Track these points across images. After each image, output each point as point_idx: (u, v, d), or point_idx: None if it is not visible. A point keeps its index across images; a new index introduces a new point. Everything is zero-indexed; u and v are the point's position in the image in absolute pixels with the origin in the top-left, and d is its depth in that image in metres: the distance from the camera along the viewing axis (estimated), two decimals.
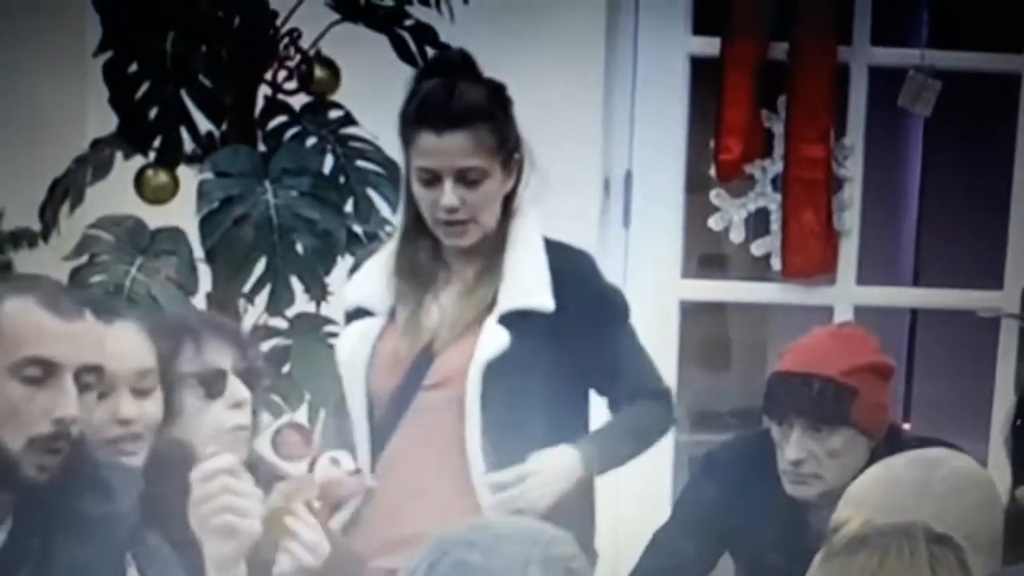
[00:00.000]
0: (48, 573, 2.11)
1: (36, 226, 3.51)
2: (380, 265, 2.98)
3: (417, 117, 2.88)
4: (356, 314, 2.97)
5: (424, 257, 2.96)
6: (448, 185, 2.87)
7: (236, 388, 2.60)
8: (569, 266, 2.96)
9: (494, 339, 2.89)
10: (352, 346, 2.96)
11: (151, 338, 2.51)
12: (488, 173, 2.89)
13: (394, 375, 2.93)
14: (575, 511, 2.91)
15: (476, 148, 2.86)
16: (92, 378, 2.17)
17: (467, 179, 2.87)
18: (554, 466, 2.86)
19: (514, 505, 2.81)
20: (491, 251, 2.94)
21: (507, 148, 2.92)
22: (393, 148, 3.43)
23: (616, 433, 2.96)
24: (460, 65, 2.94)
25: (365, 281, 2.99)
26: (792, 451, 2.92)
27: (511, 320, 2.90)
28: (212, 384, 2.58)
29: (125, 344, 2.40)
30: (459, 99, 2.88)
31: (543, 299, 2.91)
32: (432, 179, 2.88)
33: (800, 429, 2.92)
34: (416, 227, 2.96)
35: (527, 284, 2.93)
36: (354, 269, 3.06)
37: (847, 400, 2.90)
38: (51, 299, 2.12)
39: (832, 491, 2.86)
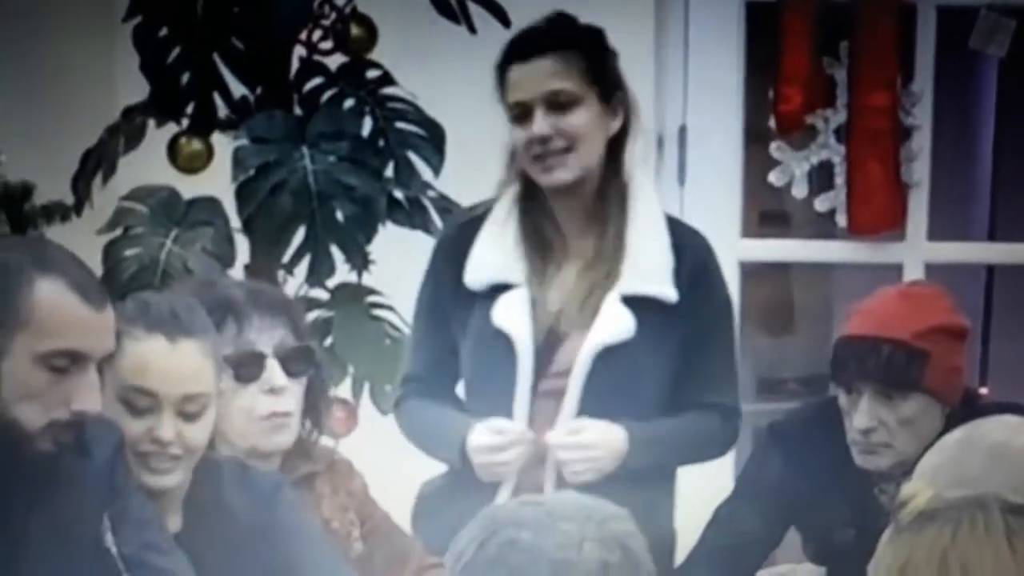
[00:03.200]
0: (28, 531, 2.11)
1: (68, 199, 3.48)
2: (497, 236, 2.90)
3: (505, 54, 2.86)
4: (493, 291, 2.88)
5: (540, 228, 2.89)
6: (539, 113, 2.82)
7: (274, 373, 2.58)
8: (689, 251, 2.90)
9: (617, 322, 2.83)
10: (513, 319, 2.85)
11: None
12: (581, 99, 2.83)
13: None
14: (656, 495, 2.88)
15: (565, 71, 2.82)
16: (106, 364, 2.15)
17: (558, 103, 2.81)
18: (605, 446, 2.82)
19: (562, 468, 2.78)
20: (607, 218, 2.87)
21: (605, 82, 2.86)
22: (434, 108, 3.43)
23: (672, 436, 2.90)
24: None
25: (489, 255, 2.90)
26: (861, 419, 2.85)
27: (631, 304, 2.84)
28: (245, 367, 2.56)
29: (182, 366, 2.36)
30: (545, 29, 2.86)
31: (667, 288, 2.85)
32: (523, 113, 2.83)
33: (869, 396, 2.84)
34: (527, 191, 2.90)
35: (652, 268, 2.86)
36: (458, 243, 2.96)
37: (919, 364, 2.82)
38: (81, 283, 2.10)
39: (904, 461, 2.81)
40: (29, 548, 2.11)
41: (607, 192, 2.88)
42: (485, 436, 2.83)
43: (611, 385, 2.82)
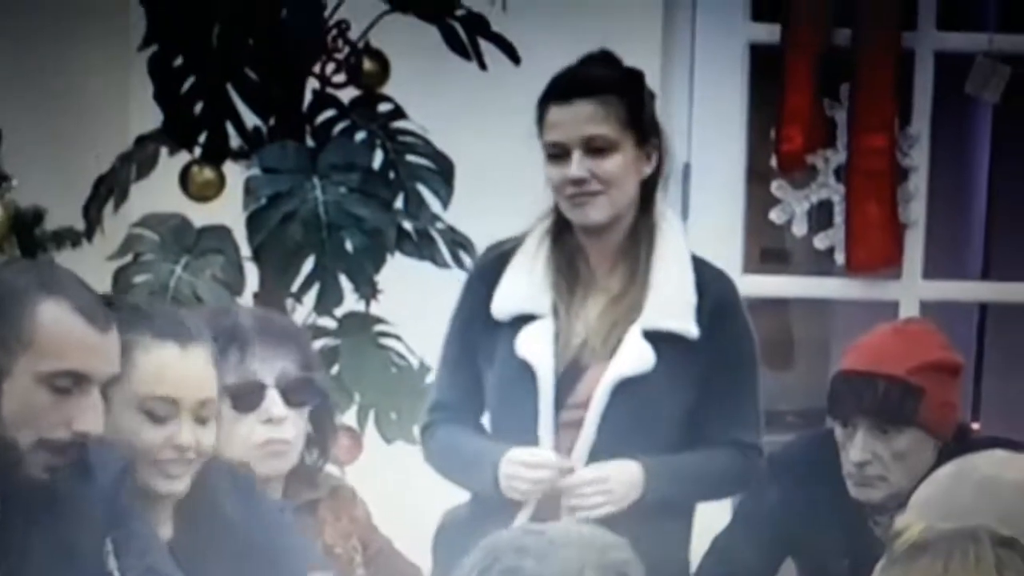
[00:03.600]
0: (31, 554, 2.10)
1: (80, 225, 3.48)
2: (527, 267, 2.92)
3: (547, 92, 2.88)
4: (518, 321, 2.90)
5: (571, 261, 2.91)
6: (576, 156, 2.84)
7: (273, 404, 2.58)
8: (712, 290, 2.92)
9: (637, 355, 2.84)
10: (536, 349, 2.87)
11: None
12: (618, 145, 2.85)
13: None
14: (672, 530, 2.91)
15: (604, 117, 2.84)
16: (109, 388, 2.15)
17: (595, 148, 2.84)
18: (618, 479, 2.82)
19: (571, 505, 2.80)
20: (635, 255, 2.90)
21: (642, 127, 2.88)
22: (444, 142, 3.45)
23: (691, 471, 2.90)
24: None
25: (516, 285, 2.91)
26: (857, 453, 2.88)
27: (652, 338, 2.85)
28: (244, 397, 2.57)
29: (195, 371, 2.37)
30: (587, 71, 2.89)
31: (688, 324, 2.87)
32: (560, 153, 2.85)
33: (865, 430, 2.87)
34: (560, 224, 2.92)
35: (675, 304, 2.88)
36: (489, 273, 2.98)
37: (914, 400, 2.86)
38: (85, 305, 2.10)
39: (898, 494, 2.83)
40: (31, 570, 2.11)
41: (637, 230, 2.91)
42: (521, 454, 2.84)
43: (629, 417, 2.84)
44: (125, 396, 2.30)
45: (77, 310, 2.09)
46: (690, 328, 2.87)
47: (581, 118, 2.84)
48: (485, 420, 3.01)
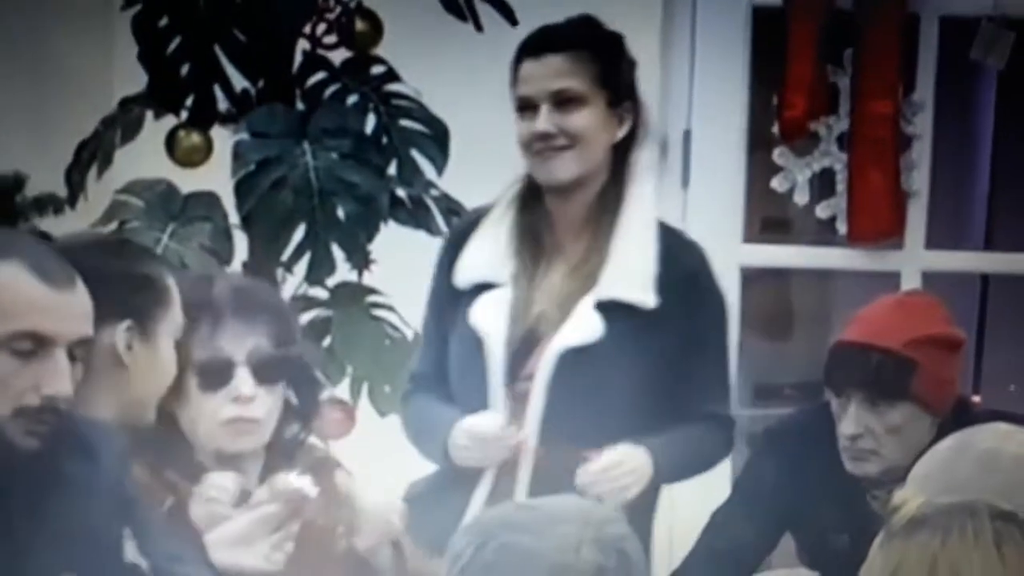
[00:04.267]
0: (40, 538, 2.05)
1: (62, 191, 3.43)
2: (490, 236, 2.89)
3: (520, 49, 2.86)
4: (478, 290, 2.88)
5: (535, 229, 2.88)
6: (544, 110, 2.81)
7: (241, 383, 2.52)
8: (679, 259, 2.88)
9: (584, 325, 2.81)
10: (488, 319, 2.85)
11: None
12: (586, 100, 2.82)
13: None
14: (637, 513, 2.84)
15: (573, 71, 2.81)
16: (82, 351, 2.09)
17: (563, 100, 2.81)
18: (632, 463, 2.79)
19: (594, 492, 2.75)
20: (600, 222, 2.86)
21: (614, 87, 2.84)
22: (439, 106, 3.38)
23: (682, 448, 2.88)
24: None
25: (478, 254, 2.89)
26: (848, 425, 2.84)
27: (606, 308, 2.82)
28: (212, 375, 2.51)
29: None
30: (560, 28, 2.86)
31: (644, 295, 2.83)
32: (528, 107, 2.83)
33: (857, 403, 2.83)
34: (530, 190, 2.89)
35: (632, 274, 2.84)
36: (456, 242, 2.96)
37: (907, 374, 2.81)
38: (42, 265, 2.04)
39: (894, 468, 2.80)
40: (40, 560, 2.06)
41: (606, 198, 2.87)
42: (467, 423, 2.82)
43: (578, 388, 2.80)
44: (168, 330, 2.35)
45: (32, 269, 2.02)
46: (646, 299, 2.83)
47: (550, 72, 2.82)
48: None
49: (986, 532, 1.85)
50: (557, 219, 2.88)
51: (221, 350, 2.51)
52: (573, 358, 2.80)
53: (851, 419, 2.85)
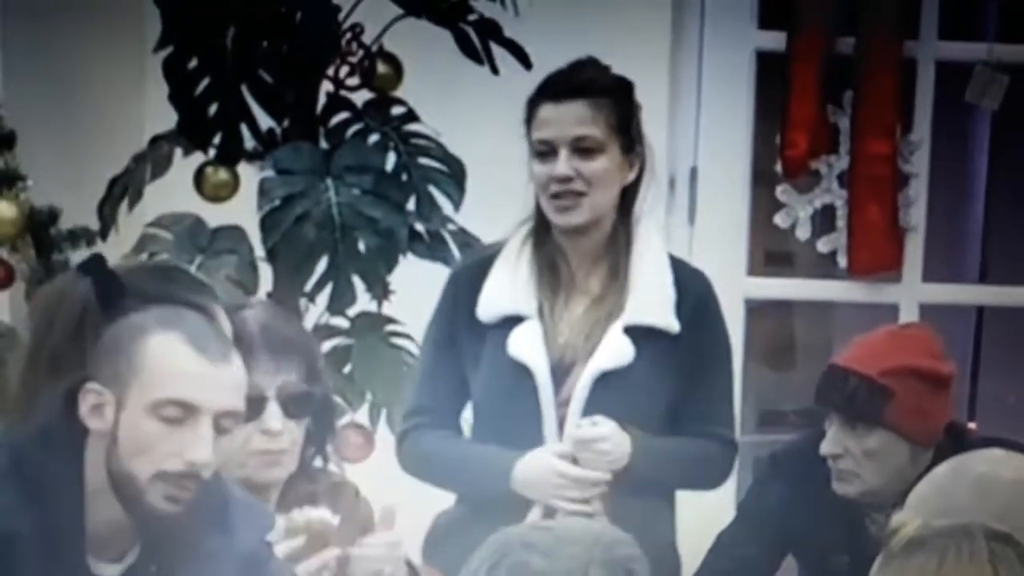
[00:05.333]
0: None
1: (94, 225, 3.47)
2: (510, 270, 2.92)
3: (539, 91, 2.88)
4: (506, 323, 2.90)
5: (553, 264, 2.91)
6: (563, 154, 2.84)
7: (271, 417, 2.53)
8: (692, 288, 2.93)
9: (617, 350, 2.85)
10: (529, 349, 2.87)
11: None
12: (604, 148, 2.86)
13: None
14: (657, 514, 2.91)
15: (593, 118, 2.85)
16: (230, 422, 2.14)
17: (582, 149, 2.84)
18: (613, 438, 2.83)
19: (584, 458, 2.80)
20: (615, 258, 2.91)
21: (628, 134, 2.89)
22: (456, 145, 3.43)
23: (673, 453, 2.91)
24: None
25: (501, 288, 2.91)
26: (827, 445, 2.90)
27: (632, 333, 2.86)
28: (252, 411, 2.46)
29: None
30: (580, 73, 2.89)
31: (669, 319, 2.88)
32: (548, 151, 2.86)
33: (838, 424, 2.89)
34: (542, 227, 2.92)
35: (655, 301, 2.89)
36: (469, 279, 2.98)
37: (880, 401, 2.85)
38: (200, 338, 2.11)
39: (874, 491, 2.86)
40: None
41: (616, 235, 2.92)
42: (554, 464, 2.83)
43: (610, 411, 2.84)
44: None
45: (189, 341, 2.09)
46: (671, 323, 2.88)
47: (572, 118, 2.85)
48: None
49: (982, 553, 1.86)
50: (571, 255, 2.93)
51: (255, 385, 2.49)
52: (607, 382, 2.85)
53: (830, 439, 2.91)
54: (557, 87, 2.87)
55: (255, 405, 2.51)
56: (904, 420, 2.87)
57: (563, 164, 2.84)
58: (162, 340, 2.09)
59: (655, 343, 2.87)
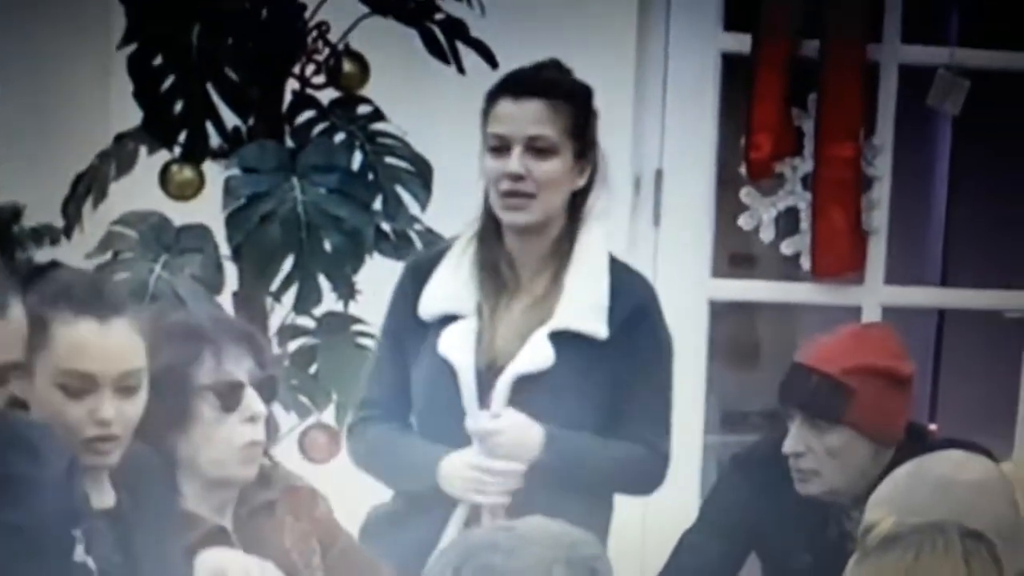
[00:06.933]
0: None
1: (58, 222, 3.42)
2: (453, 269, 2.90)
3: (499, 86, 2.87)
4: (443, 321, 2.88)
5: (496, 265, 2.89)
6: (516, 151, 2.82)
7: (252, 402, 2.51)
8: (630, 292, 2.90)
9: (537, 354, 2.83)
10: (456, 349, 2.86)
11: (166, 340, 2.43)
12: (558, 150, 2.84)
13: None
14: (589, 518, 2.88)
15: (551, 119, 2.82)
16: (16, 372, 2.09)
17: (536, 148, 2.82)
18: (513, 433, 2.81)
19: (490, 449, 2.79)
20: (559, 262, 2.88)
21: (582, 139, 2.87)
22: (422, 144, 3.40)
23: (593, 449, 2.87)
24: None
25: (442, 287, 2.90)
26: (788, 443, 2.89)
27: (559, 338, 2.84)
28: (228, 397, 2.49)
29: (115, 343, 2.30)
30: (541, 72, 2.87)
31: (597, 325, 2.85)
32: (502, 146, 2.84)
33: (799, 422, 2.88)
34: (491, 227, 2.90)
35: (585, 306, 2.86)
36: (419, 274, 2.96)
37: (841, 399, 2.84)
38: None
39: (836, 490, 2.86)
40: None
41: (562, 239, 2.90)
42: (472, 457, 2.82)
43: (532, 415, 2.81)
44: (47, 372, 2.26)
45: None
46: (599, 329, 2.85)
47: (529, 116, 2.83)
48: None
49: (955, 548, 1.91)
50: (516, 257, 2.91)
51: (230, 373, 2.50)
52: (527, 385, 2.82)
53: (792, 437, 2.90)
54: (518, 84, 2.85)
55: (233, 393, 2.50)
56: (865, 418, 2.86)
57: (515, 161, 2.82)
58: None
59: (580, 349, 2.84)
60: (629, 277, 2.95)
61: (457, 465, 2.83)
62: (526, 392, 2.82)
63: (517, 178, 2.83)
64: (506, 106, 2.84)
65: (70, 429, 2.26)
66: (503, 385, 2.82)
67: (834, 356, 2.89)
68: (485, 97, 2.88)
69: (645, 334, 2.89)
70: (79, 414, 2.27)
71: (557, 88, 2.85)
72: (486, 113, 2.88)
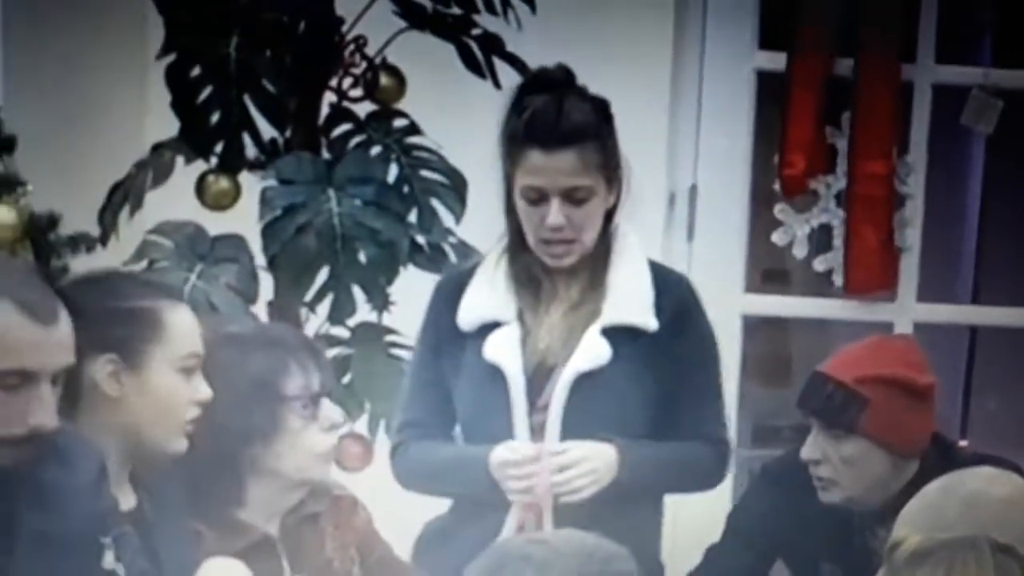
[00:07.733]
0: (16, 545, 2.06)
1: (95, 231, 3.42)
2: (488, 282, 2.89)
3: (526, 134, 2.80)
4: (484, 330, 2.87)
5: (529, 271, 2.88)
6: (555, 204, 2.79)
7: (331, 411, 2.56)
8: (671, 288, 2.89)
9: (593, 350, 2.81)
10: (503, 352, 2.84)
11: (251, 350, 2.51)
12: (594, 192, 2.81)
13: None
14: (643, 522, 2.87)
15: (584, 167, 2.78)
16: (64, 376, 2.11)
17: (574, 198, 2.79)
18: (596, 459, 2.79)
19: (558, 490, 2.76)
20: (593, 267, 2.87)
21: (611, 165, 2.84)
22: (457, 158, 3.40)
23: (663, 457, 2.86)
24: (563, 82, 2.85)
25: (480, 296, 2.89)
26: (806, 449, 2.88)
27: (611, 335, 2.83)
28: (312, 407, 2.53)
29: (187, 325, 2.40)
30: (568, 117, 2.79)
31: (647, 317, 2.84)
32: (539, 198, 2.80)
33: (816, 430, 2.87)
34: (518, 241, 2.88)
35: (632, 301, 2.85)
36: (452, 290, 2.95)
37: (855, 408, 2.83)
38: (30, 301, 2.05)
39: (856, 499, 2.84)
40: (18, 563, 2.07)
41: (596, 250, 2.88)
42: (505, 452, 2.80)
43: (590, 412, 2.80)
44: (164, 359, 2.34)
45: (20, 307, 2.04)
46: (648, 320, 2.85)
47: (563, 169, 2.79)
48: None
49: (988, 564, 1.89)
50: (552, 268, 2.89)
51: (312, 384, 2.55)
52: (585, 383, 2.81)
53: (809, 444, 2.90)
54: (547, 134, 2.78)
55: (316, 403, 2.55)
56: (879, 428, 2.84)
57: (556, 214, 2.80)
58: None
59: (633, 343, 2.83)
60: (668, 275, 2.95)
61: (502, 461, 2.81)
62: (582, 392, 2.81)
63: (558, 229, 2.81)
64: (537, 158, 2.79)
65: (177, 411, 2.36)
66: (562, 385, 2.80)
67: (851, 365, 2.89)
68: (507, 138, 2.82)
69: (693, 326, 2.89)
70: (188, 395, 2.37)
71: (585, 132, 2.79)
72: (513, 159, 2.82)
